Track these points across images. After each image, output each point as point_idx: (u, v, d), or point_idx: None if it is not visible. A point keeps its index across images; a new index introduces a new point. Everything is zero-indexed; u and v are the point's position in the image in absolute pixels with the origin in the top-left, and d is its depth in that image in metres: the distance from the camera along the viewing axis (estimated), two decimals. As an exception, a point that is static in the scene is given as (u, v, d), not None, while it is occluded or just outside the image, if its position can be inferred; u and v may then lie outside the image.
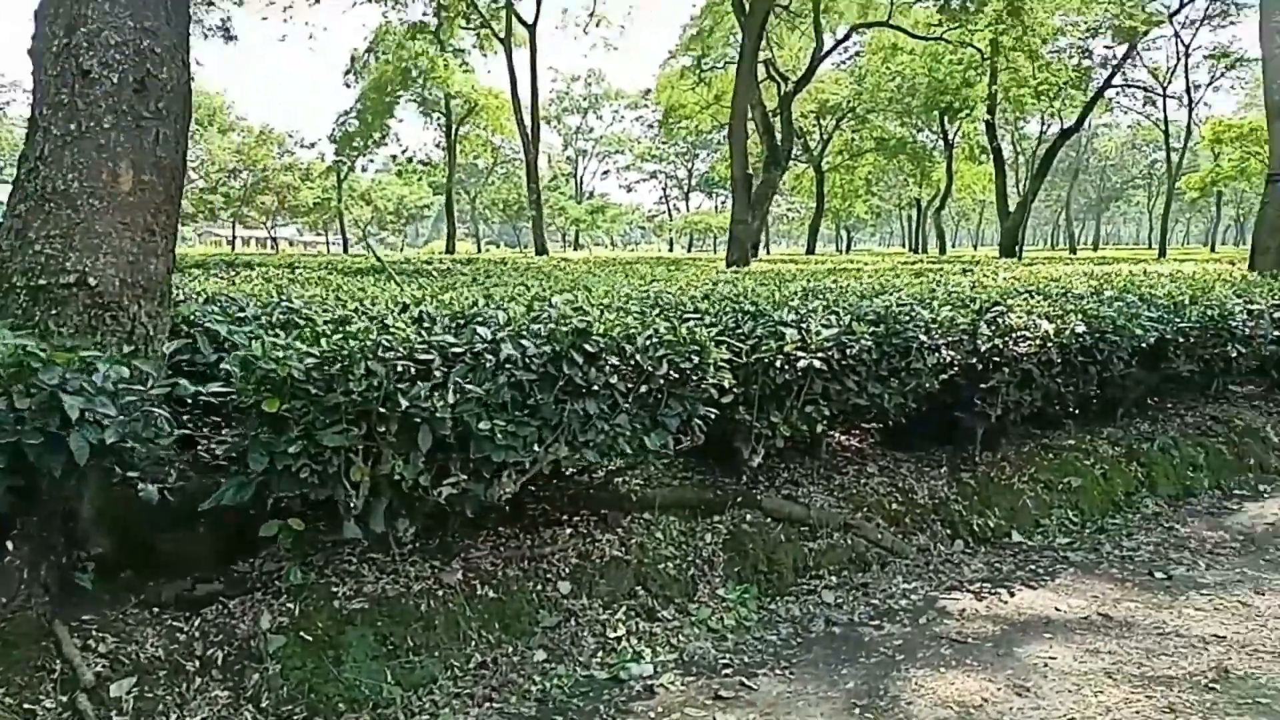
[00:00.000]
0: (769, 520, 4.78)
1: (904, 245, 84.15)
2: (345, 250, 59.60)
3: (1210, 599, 4.51)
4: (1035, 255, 47.31)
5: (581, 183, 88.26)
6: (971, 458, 5.80)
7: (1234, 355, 6.87)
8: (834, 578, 4.71)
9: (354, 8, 37.46)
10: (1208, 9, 36.91)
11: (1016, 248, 36.49)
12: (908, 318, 4.87)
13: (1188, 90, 44.35)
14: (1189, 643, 3.98)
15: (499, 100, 42.27)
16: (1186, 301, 6.70)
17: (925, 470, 5.69)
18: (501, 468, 3.61)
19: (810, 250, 54.72)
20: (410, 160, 47.05)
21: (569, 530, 4.30)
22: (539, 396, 3.52)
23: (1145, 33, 33.63)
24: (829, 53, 36.09)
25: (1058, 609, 4.42)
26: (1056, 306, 5.89)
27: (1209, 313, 6.64)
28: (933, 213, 55.66)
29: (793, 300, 5.35)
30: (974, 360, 5.27)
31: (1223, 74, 43.47)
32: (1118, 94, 45.98)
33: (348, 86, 44.26)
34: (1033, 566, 5.06)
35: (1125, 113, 51.83)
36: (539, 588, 3.95)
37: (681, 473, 5.03)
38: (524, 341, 3.46)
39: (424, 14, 39.77)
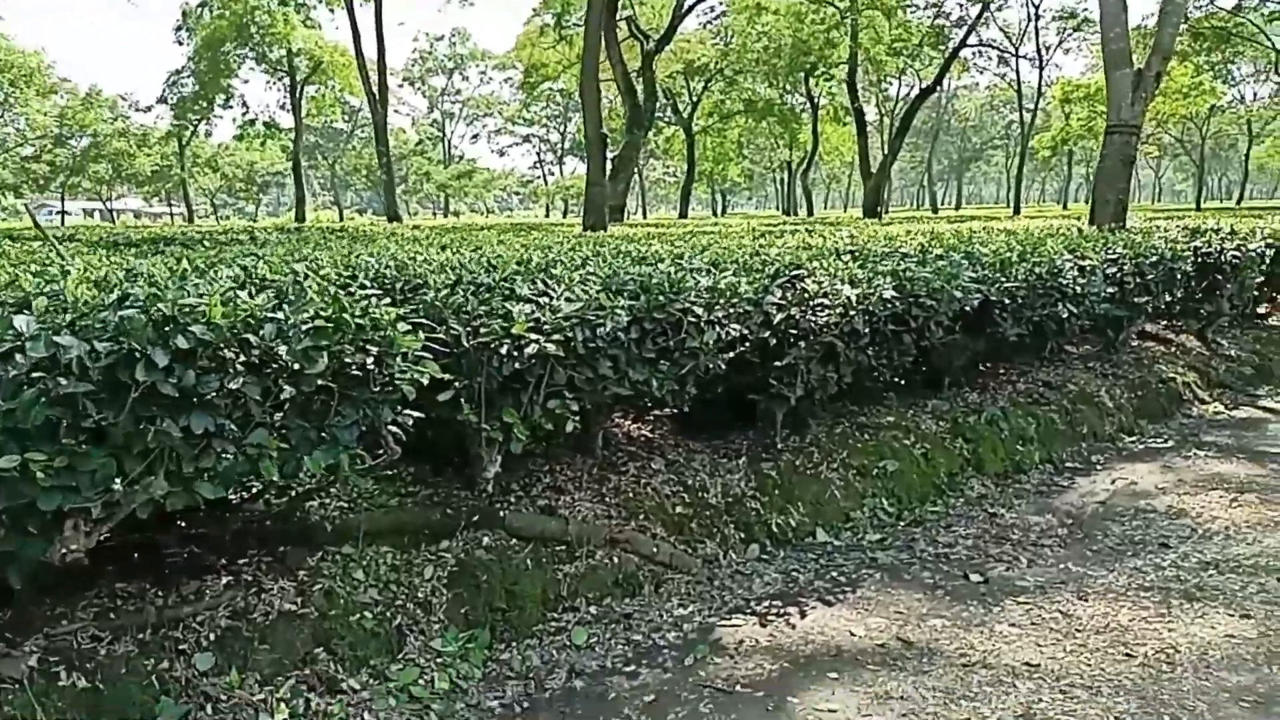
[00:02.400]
0: (514, 542, 3.88)
1: (778, 208, 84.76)
2: (190, 221, 55.60)
3: (1028, 609, 3.85)
4: (899, 215, 48.08)
5: (449, 146, 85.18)
6: (774, 444, 5.03)
7: (1065, 316, 6.35)
8: (593, 608, 3.85)
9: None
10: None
11: (879, 208, 36.70)
12: (676, 288, 4.00)
13: (1038, 51, 45.49)
14: (997, 677, 3.28)
15: (347, 58, 39.61)
16: (1014, 259, 6.10)
17: (721, 462, 4.90)
18: (60, 516, 2.56)
19: (683, 214, 54.05)
20: (252, 123, 43.82)
21: (225, 579, 3.28)
22: (106, 415, 2.48)
23: (997, -8, 34.01)
24: (690, 9, 35.34)
25: (853, 633, 3.68)
26: (868, 269, 5.16)
27: (1037, 270, 6.07)
28: (800, 175, 55.88)
29: (555, 267, 4.43)
30: (766, 334, 4.47)
31: (1070, 34, 44.75)
32: (974, 55, 46.78)
33: (180, 44, 40.77)
34: (835, 573, 4.33)
35: (981, 73, 53.05)
36: (164, 665, 2.93)
37: (409, 487, 4.06)
38: (60, 339, 2.39)
39: (260, -36, 36.90)
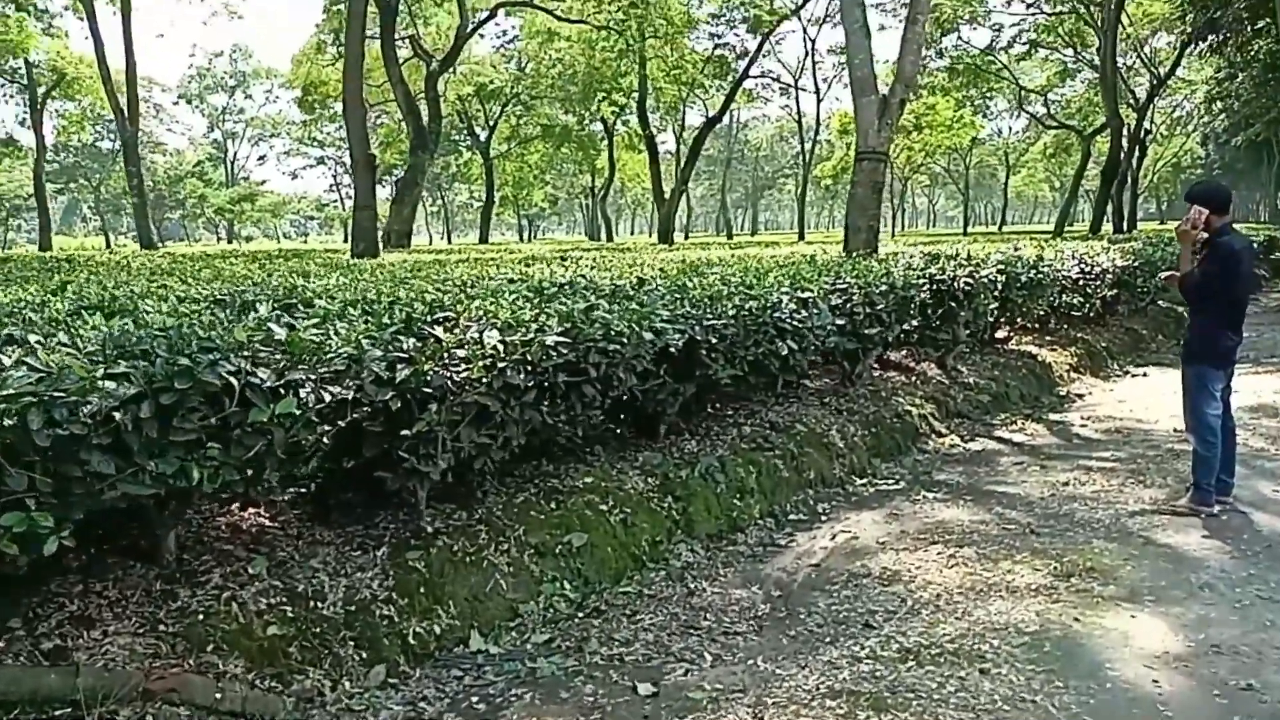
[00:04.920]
0: (-21, 713, 2.72)
1: (585, 233, 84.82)
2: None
3: (690, 736, 3.08)
4: (697, 240, 48.94)
5: (233, 168, 79.76)
6: (423, 528, 4.09)
7: (785, 353, 5.80)
8: (98, 800, 2.75)
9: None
10: (829, 7, 39.53)
11: (671, 234, 36.91)
12: (221, 346, 2.99)
13: (816, 85, 47.70)
14: None
15: (95, 71, 35.88)
16: (725, 294, 5.49)
17: (352, 556, 3.90)
18: None
19: (484, 239, 52.76)
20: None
21: None
22: None
23: (775, 25, 35.13)
24: (474, 31, 34.25)
25: (459, 800, 2.77)
26: (535, 310, 4.34)
27: (749, 305, 5.48)
28: (600, 200, 55.94)
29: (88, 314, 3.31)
30: (389, 396, 3.53)
31: (844, 69, 47.14)
32: (759, 87, 48.43)
33: (-112, 47, 35.48)
34: (477, 697, 3.43)
35: (766, 104, 55.12)
36: None
37: None
38: None
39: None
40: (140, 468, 2.79)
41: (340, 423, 3.42)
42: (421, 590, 3.86)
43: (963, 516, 5.40)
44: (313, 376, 3.21)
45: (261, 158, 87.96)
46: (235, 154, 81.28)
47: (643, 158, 52.37)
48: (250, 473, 3.17)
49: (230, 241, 72.59)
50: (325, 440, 3.38)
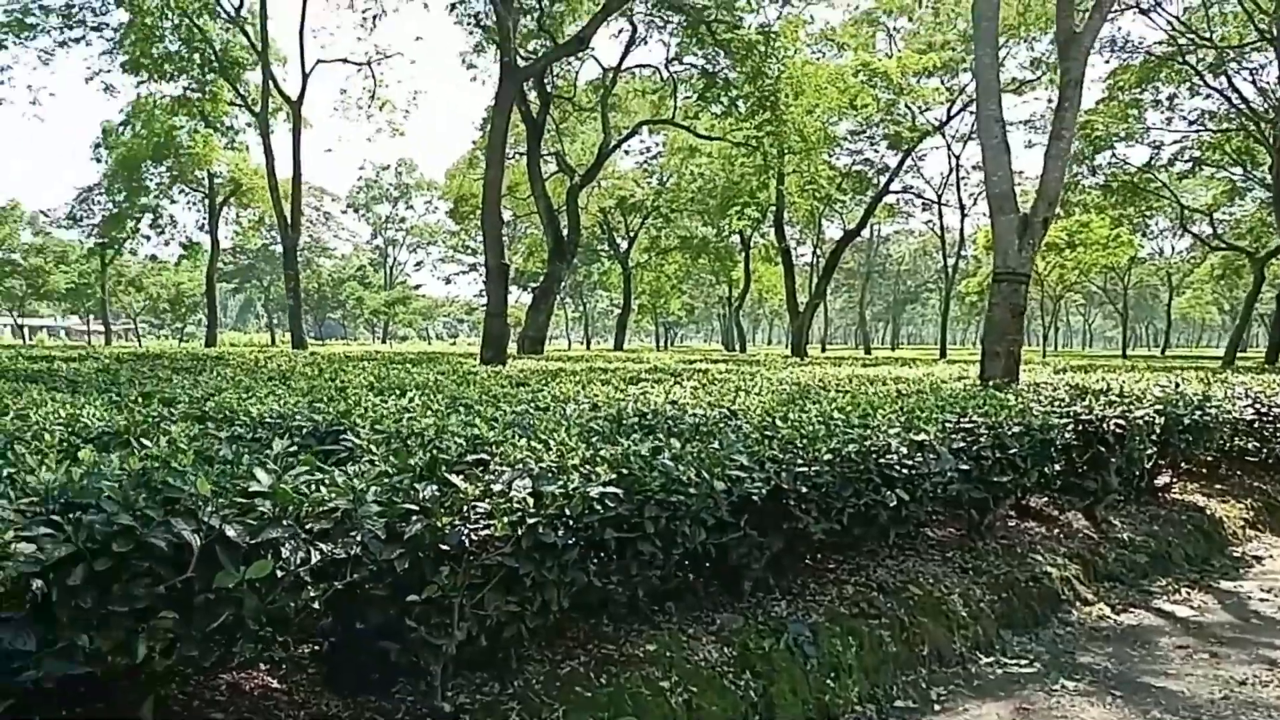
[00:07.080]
0: None
1: (722, 342, 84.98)
2: (108, 341, 53.42)
3: None
4: (836, 353, 47.96)
5: (391, 273, 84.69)
6: (440, 707, 3.52)
7: (895, 504, 5.04)
8: None
9: (96, 76, 33.68)
10: (973, 123, 38.81)
11: (804, 346, 36.16)
12: (189, 496, 2.58)
13: (960, 201, 46.58)
14: None
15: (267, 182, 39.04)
16: (819, 435, 4.82)
17: (354, 734, 3.38)
18: None
19: (618, 346, 53.47)
20: (167, 244, 42.68)
21: None
22: None
23: (917, 141, 34.66)
24: (616, 147, 35.27)
25: None
26: (582, 451, 3.81)
27: (848, 450, 4.78)
28: (735, 311, 55.89)
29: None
30: (396, 554, 3.04)
31: (991, 185, 45.92)
32: (900, 201, 47.76)
33: (98, 161, 39.85)
34: None
35: (908, 219, 54.24)
36: None
37: None
38: None
39: (186, 88, 36.36)
40: (71, 642, 2.38)
41: (338, 584, 2.95)
42: (427, 784, 3.28)
43: (1110, 721, 4.41)
44: (299, 533, 2.77)
45: (419, 263, 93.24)
46: (395, 259, 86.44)
47: (778, 270, 52.34)
48: (219, 643, 2.71)
49: (385, 341, 76.41)
50: (317, 605, 2.91)
